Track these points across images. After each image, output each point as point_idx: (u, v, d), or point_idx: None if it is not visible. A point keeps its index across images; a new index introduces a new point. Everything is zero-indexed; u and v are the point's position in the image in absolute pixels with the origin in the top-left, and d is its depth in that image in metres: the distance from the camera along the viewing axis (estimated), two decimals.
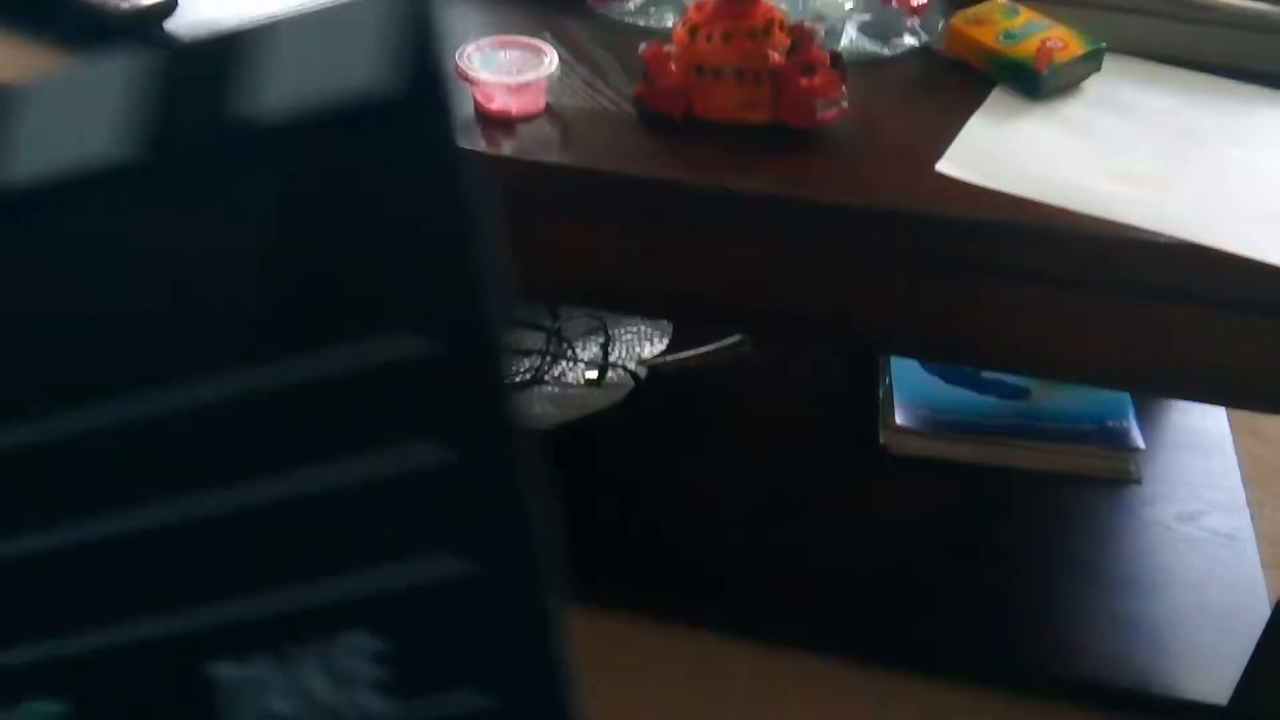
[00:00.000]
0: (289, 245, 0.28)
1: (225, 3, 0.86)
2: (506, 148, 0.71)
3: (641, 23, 0.84)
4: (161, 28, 0.80)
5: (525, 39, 0.75)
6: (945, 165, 0.70)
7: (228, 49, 0.29)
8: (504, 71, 0.73)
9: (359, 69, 0.28)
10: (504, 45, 0.75)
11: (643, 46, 0.73)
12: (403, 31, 0.27)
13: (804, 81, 0.70)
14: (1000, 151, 0.71)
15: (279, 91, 0.28)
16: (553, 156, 0.71)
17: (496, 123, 0.73)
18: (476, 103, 0.74)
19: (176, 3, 0.80)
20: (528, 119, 0.73)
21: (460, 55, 0.72)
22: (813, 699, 0.95)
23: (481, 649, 0.28)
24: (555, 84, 0.75)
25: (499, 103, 0.73)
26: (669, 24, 0.83)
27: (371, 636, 0.28)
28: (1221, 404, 1.11)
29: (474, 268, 0.27)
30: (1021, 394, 1.11)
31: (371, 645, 0.28)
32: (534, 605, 0.28)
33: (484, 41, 0.74)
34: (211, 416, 0.28)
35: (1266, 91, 0.78)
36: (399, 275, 0.28)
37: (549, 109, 0.74)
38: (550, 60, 0.73)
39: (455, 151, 0.28)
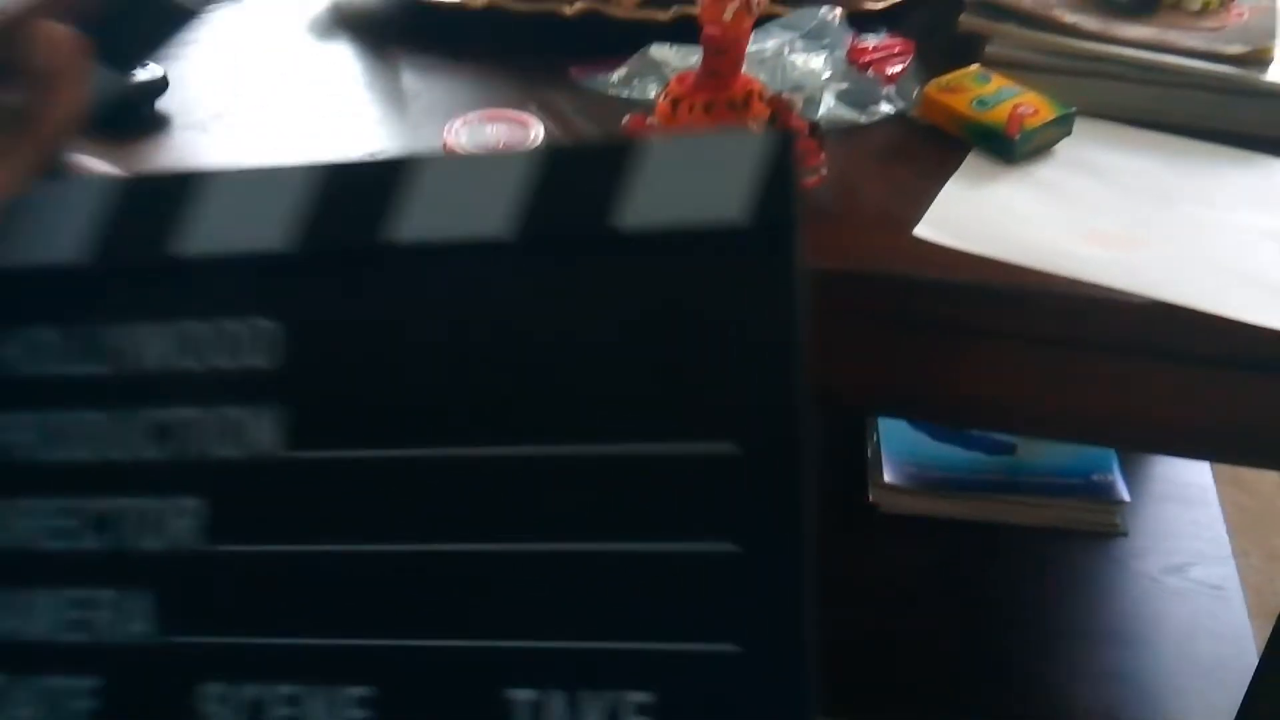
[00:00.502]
0: (632, 341, 0.32)
1: (215, 82, 0.88)
2: None
3: (624, 94, 0.86)
4: (153, 106, 0.82)
5: (512, 112, 0.77)
6: (923, 229, 0.71)
7: (608, 158, 0.33)
8: (491, 145, 0.75)
9: (721, 196, 0.32)
10: (491, 119, 0.77)
11: (626, 118, 0.75)
12: (762, 167, 0.32)
13: None
14: (976, 215, 0.73)
15: (649, 206, 0.32)
16: None
17: None
18: None
19: (167, 81, 0.82)
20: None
21: (449, 130, 0.74)
22: None
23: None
24: None
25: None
26: (651, 95, 0.85)
27: (645, 693, 0.31)
28: (1199, 458, 1.13)
29: (793, 381, 0.31)
30: (1008, 449, 1.13)
31: (643, 699, 0.31)
32: (792, 688, 0.30)
33: (472, 116, 0.76)
34: (541, 475, 0.32)
35: (1231, 151, 0.80)
36: (724, 383, 0.31)
37: None
38: (536, 134, 0.75)
39: (796, 277, 0.31)
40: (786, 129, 0.32)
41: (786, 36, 0.85)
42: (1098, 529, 1.12)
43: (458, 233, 0.34)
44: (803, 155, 0.73)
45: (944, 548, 1.08)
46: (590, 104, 0.85)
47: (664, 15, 0.90)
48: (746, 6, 0.70)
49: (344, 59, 0.93)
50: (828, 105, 0.81)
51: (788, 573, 0.30)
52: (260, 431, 0.34)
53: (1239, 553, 1.12)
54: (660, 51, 0.87)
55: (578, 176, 0.33)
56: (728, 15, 0.70)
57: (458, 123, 0.75)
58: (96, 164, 0.42)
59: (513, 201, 0.33)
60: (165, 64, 0.84)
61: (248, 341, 0.34)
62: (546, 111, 0.83)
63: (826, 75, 0.83)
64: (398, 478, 0.33)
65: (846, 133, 0.81)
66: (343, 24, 0.99)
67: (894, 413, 1.01)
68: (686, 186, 0.32)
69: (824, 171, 0.74)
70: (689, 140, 0.34)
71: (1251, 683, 0.85)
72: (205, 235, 0.36)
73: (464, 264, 0.33)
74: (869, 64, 0.84)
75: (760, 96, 0.73)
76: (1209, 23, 0.86)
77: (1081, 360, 0.70)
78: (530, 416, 0.33)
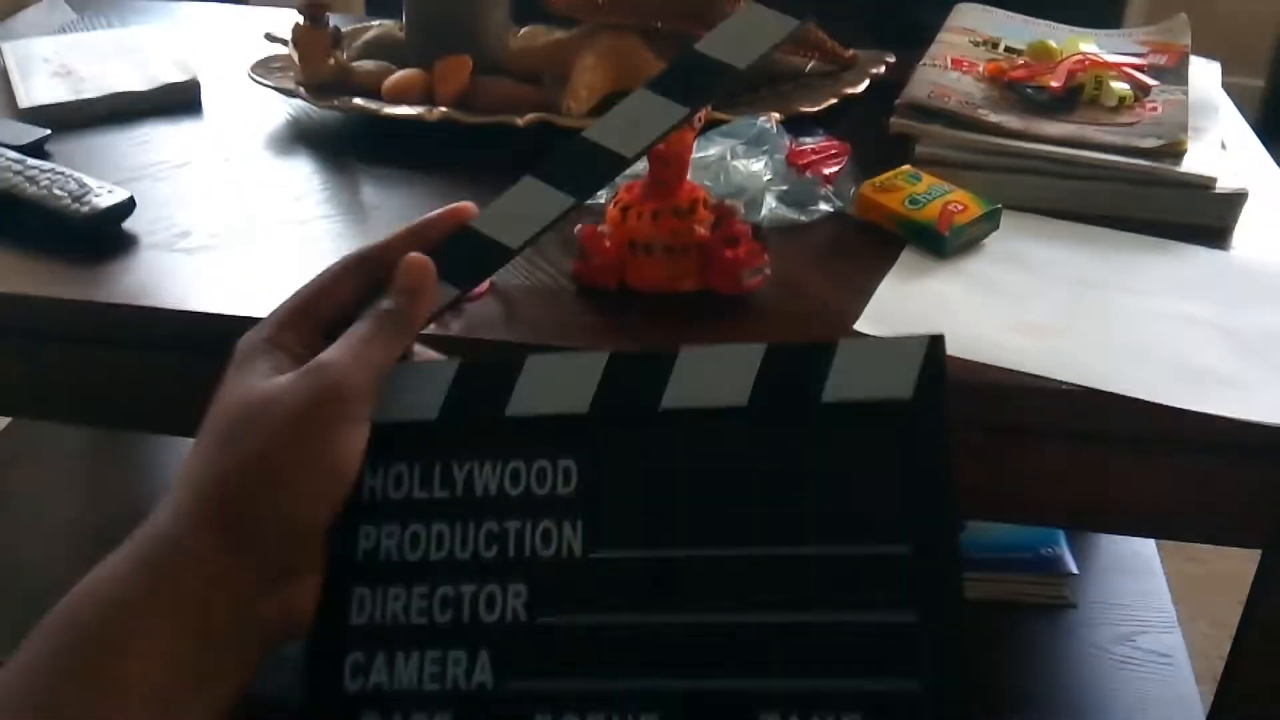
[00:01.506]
0: (838, 474, 0.47)
1: (180, 200, 0.91)
2: (455, 327, 0.75)
3: None
4: (120, 227, 0.85)
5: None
6: (863, 324, 0.75)
7: (819, 354, 0.48)
8: None
9: (894, 379, 0.47)
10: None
11: (578, 227, 0.79)
12: (920, 359, 0.47)
13: (729, 253, 0.76)
14: (912, 309, 0.77)
15: (846, 386, 0.48)
16: (498, 334, 0.75)
17: None
18: None
19: (134, 203, 0.85)
20: (474, 299, 0.78)
21: None
22: None
23: None
24: None
25: None
26: (602, 200, 0.89)
27: (857, 713, 0.43)
28: (1130, 534, 1.17)
29: (947, 502, 0.45)
30: (959, 528, 1.16)
31: (855, 718, 0.43)
32: (956, 711, 0.43)
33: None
34: (778, 566, 0.46)
35: (1149, 239, 0.85)
36: (901, 503, 0.45)
37: (493, 288, 0.79)
38: None
39: (944, 432, 0.46)
40: (934, 341, 0.48)
41: (728, 143, 0.89)
42: (1048, 602, 1.15)
43: (708, 402, 0.49)
44: (748, 258, 0.77)
45: None
46: None
47: None
48: (689, 121, 0.74)
49: (304, 172, 0.96)
50: (769, 206, 0.85)
51: (950, 632, 0.44)
52: (565, 536, 0.48)
53: (1185, 620, 1.15)
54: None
55: (794, 362, 0.49)
56: None
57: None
58: (429, 351, 0.56)
59: (747, 380, 0.49)
60: (131, 185, 0.87)
61: (555, 475, 0.49)
62: None
63: (767, 178, 0.87)
64: (667, 568, 0.47)
65: (788, 232, 0.85)
66: (301, 138, 1.03)
67: None
68: (869, 373, 0.48)
69: (768, 271, 0.77)
70: (872, 340, 0.53)
71: None
72: (524, 401, 0.50)
73: (712, 423, 0.48)
74: (807, 166, 0.89)
75: (705, 203, 0.78)
76: (1125, 118, 0.91)
77: (1015, 446, 0.74)
78: (763, 527, 0.47)
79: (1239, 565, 1.27)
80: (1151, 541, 1.24)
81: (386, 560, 0.49)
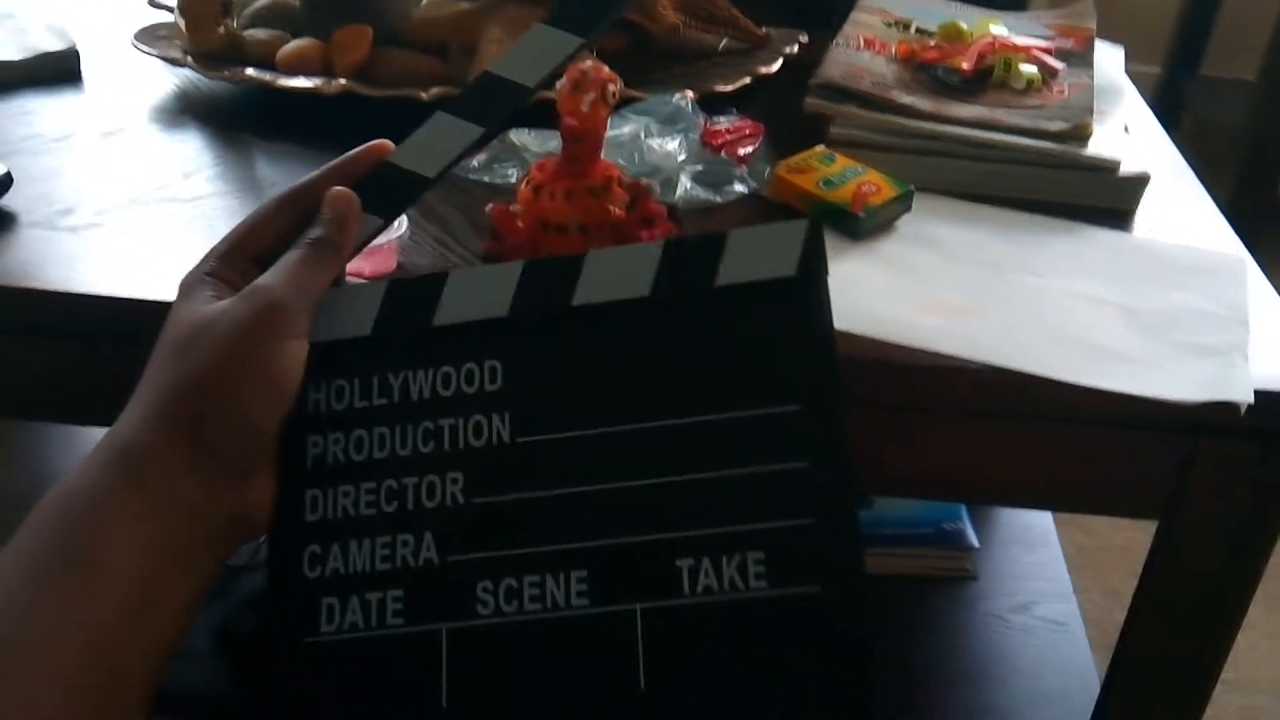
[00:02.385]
0: (732, 347, 0.53)
1: (61, 176, 0.86)
2: None
3: (486, 179, 0.88)
4: None
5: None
6: None
7: (711, 243, 0.55)
8: None
9: (779, 260, 0.54)
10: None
11: (490, 206, 0.77)
12: (801, 240, 0.54)
13: (644, 234, 0.75)
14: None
15: (737, 270, 0.54)
16: None
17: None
18: None
19: (11, 179, 0.81)
20: (381, 279, 0.76)
21: None
22: None
23: (815, 559, 0.49)
24: (406, 243, 0.78)
25: (351, 265, 0.75)
26: (512, 179, 0.87)
27: (760, 552, 0.50)
28: (1033, 507, 1.20)
29: (831, 362, 0.53)
30: (866, 504, 1.17)
31: (759, 556, 0.50)
32: (848, 543, 0.49)
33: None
34: (660, 438, 0.52)
35: (1057, 222, 0.86)
36: (792, 368, 0.53)
37: (401, 269, 0.77)
38: (401, 222, 0.76)
39: (826, 304, 0.54)
40: (813, 223, 0.55)
41: (642, 121, 0.88)
42: (950, 574, 1.17)
43: (614, 295, 0.55)
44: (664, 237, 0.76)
45: None
46: (452, 189, 0.87)
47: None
48: (603, 97, 0.72)
49: (194, 147, 0.92)
50: (684, 187, 0.85)
51: (839, 474, 0.50)
52: (495, 427, 0.54)
53: (1079, 590, 1.18)
54: (519, 136, 0.89)
55: (689, 253, 0.55)
56: (585, 106, 0.72)
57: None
58: (355, 277, 0.63)
59: (649, 273, 0.55)
60: (8, 160, 0.83)
61: (482, 374, 0.55)
62: None
63: (682, 158, 0.86)
64: (587, 445, 0.53)
65: (703, 212, 0.84)
66: (189, 111, 0.99)
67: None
68: (757, 257, 0.54)
69: None
70: (758, 228, 0.56)
71: (1094, 711, 0.91)
72: (450, 311, 0.56)
73: (619, 314, 0.55)
74: (722, 146, 0.88)
75: (619, 182, 0.76)
76: (1033, 100, 0.92)
77: (925, 423, 0.75)
78: (670, 401, 0.53)
79: (1130, 538, 1.31)
80: (1048, 515, 1.27)
81: (334, 464, 0.55)
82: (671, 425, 0.52)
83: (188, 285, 0.53)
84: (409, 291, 0.57)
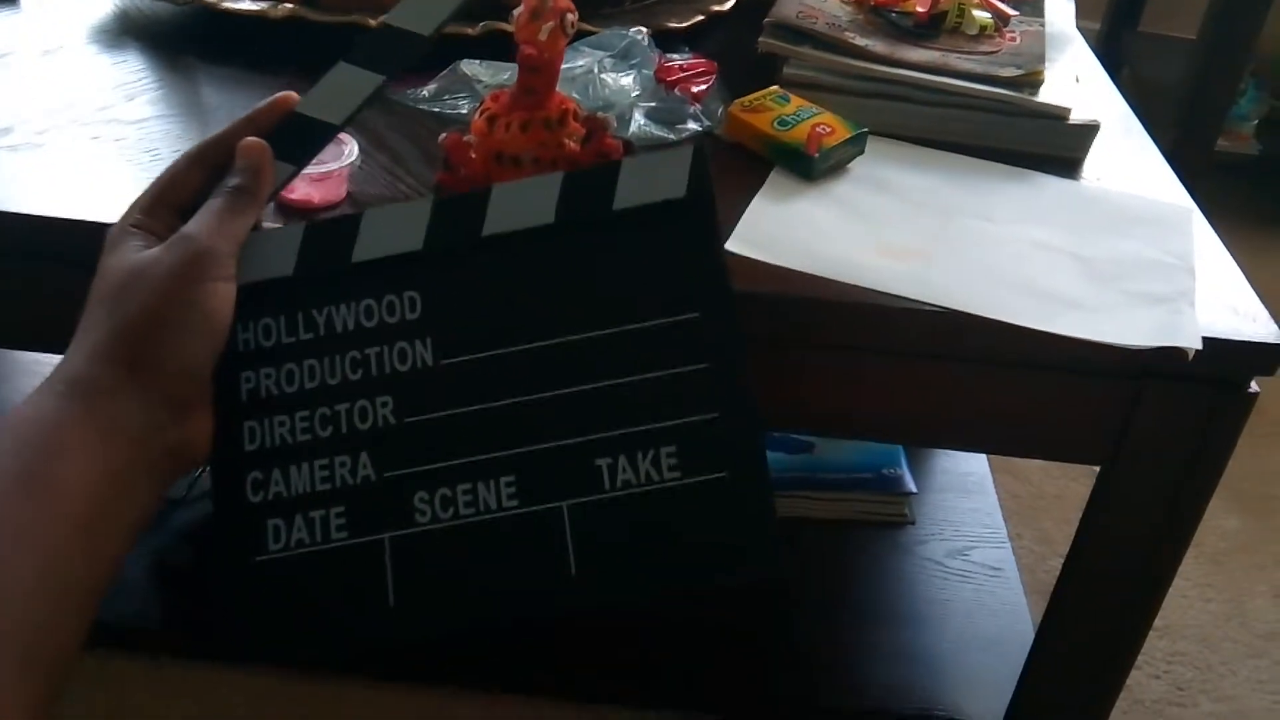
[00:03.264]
0: (632, 267, 0.58)
1: None
2: None
3: (436, 109, 0.86)
4: None
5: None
6: (733, 244, 0.74)
7: (607, 172, 0.60)
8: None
9: (669, 183, 0.59)
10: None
11: (443, 136, 0.75)
12: (689, 164, 0.59)
13: None
14: (781, 230, 0.77)
15: (632, 194, 0.59)
16: None
17: (298, 213, 0.73)
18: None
19: None
20: (329, 208, 0.75)
21: None
22: None
23: (721, 448, 0.55)
24: (356, 172, 0.77)
25: (300, 193, 0.74)
26: (463, 110, 0.85)
27: (672, 447, 0.55)
28: (978, 450, 1.22)
29: (722, 270, 0.58)
30: (806, 448, 1.18)
31: (671, 450, 0.55)
32: (748, 432, 0.55)
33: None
34: (572, 352, 0.57)
35: (1005, 168, 0.87)
36: (689, 279, 0.57)
37: (350, 198, 0.76)
38: (351, 150, 0.75)
39: (714, 225, 0.59)
40: (698, 149, 0.60)
41: (596, 55, 0.87)
42: (888, 519, 1.18)
43: (521, 224, 0.59)
44: None
45: None
46: (402, 119, 0.85)
47: (472, 30, 0.91)
48: (561, 26, 0.71)
49: (135, 69, 0.90)
50: (638, 123, 0.84)
51: (737, 371, 0.56)
52: (418, 352, 0.57)
53: (1014, 536, 1.21)
54: (470, 67, 0.87)
55: (588, 182, 0.60)
56: (543, 35, 0.71)
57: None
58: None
59: (551, 202, 0.59)
60: None
61: (402, 305, 0.58)
62: (357, 126, 0.82)
63: (636, 94, 0.85)
64: (505, 363, 0.57)
65: (656, 149, 0.83)
66: (130, 32, 0.96)
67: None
68: (649, 182, 0.59)
69: None
70: (649, 156, 0.62)
71: (1029, 655, 0.93)
72: (368, 247, 0.59)
73: (526, 241, 0.59)
74: (676, 83, 0.87)
75: (575, 115, 0.75)
76: (985, 46, 0.93)
77: (874, 364, 0.75)
78: (580, 318, 0.57)
79: (1063, 486, 1.34)
80: (985, 463, 1.29)
81: (268, 396, 0.57)
82: (582, 339, 0.57)
83: (114, 237, 0.56)
84: (327, 232, 0.60)
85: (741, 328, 0.56)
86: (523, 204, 0.59)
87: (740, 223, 0.76)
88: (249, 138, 0.60)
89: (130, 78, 0.88)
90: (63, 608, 0.47)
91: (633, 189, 0.59)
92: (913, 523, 1.19)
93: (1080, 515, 0.83)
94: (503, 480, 0.55)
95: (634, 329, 0.57)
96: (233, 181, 0.58)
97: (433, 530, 0.55)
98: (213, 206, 0.57)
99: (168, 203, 0.58)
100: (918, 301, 0.72)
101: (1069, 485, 1.34)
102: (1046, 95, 0.88)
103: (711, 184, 0.59)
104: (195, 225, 0.56)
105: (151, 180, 0.59)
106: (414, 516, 0.55)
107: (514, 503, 0.55)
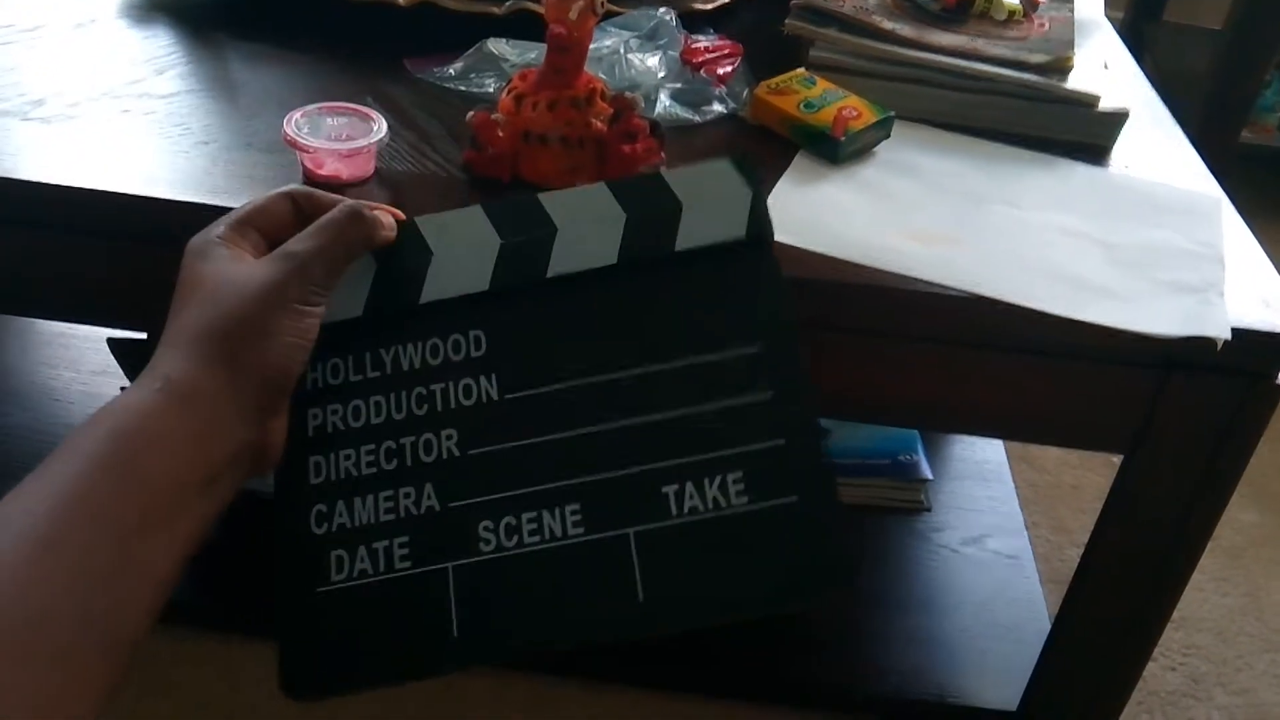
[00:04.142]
0: (688, 305, 0.59)
1: (31, 68, 0.84)
2: None
3: (462, 88, 0.86)
4: None
5: (352, 105, 0.76)
6: None
7: (670, 212, 0.61)
8: (332, 137, 0.74)
9: (728, 223, 0.60)
10: (330, 111, 0.76)
11: (471, 114, 0.75)
12: (748, 207, 0.61)
13: (626, 149, 0.74)
14: (806, 213, 0.76)
15: (692, 235, 0.60)
16: None
17: (326, 188, 0.73)
18: (306, 169, 0.74)
19: None
20: (358, 184, 0.75)
21: (289, 122, 0.73)
22: None
23: (789, 473, 0.54)
24: (384, 149, 0.77)
25: (329, 168, 0.74)
26: (489, 89, 0.85)
27: (739, 472, 0.54)
28: (1001, 437, 1.21)
29: (788, 308, 0.58)
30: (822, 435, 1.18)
31: (738, 476, 0.54)
32: (813, 457, 0.55)
33: (311, 108, 0.75)
34: (635, 384, 0.57)
35: (1033, 154, 0.86)
36: (741, 317, 0.58)
37: (378, 174, 0.76)
38: (379, 126, 0.75)
39: (773, 261, 0.60)
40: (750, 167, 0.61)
41: (623, 35, 0.86)
42: (904, 506, 1.18)
43: (585, 265, 0.60)
44: (646, 154, 0.75)
45: None
46: (428, 97, 0.85)
47: (498, 9, 0.91)
48: (591, 6, 0.71)
49: (165, 44, 0.90)
50: (663, 104, 0.84)
51: (803, 399, 0.56)
52: (483, 387, 0.58)
53: (1030, 525, 1.20)
54: (497, 46, 0.87)
55: (650, 221, 0.60)
56: (573, 14, 0.71)
57: (297, 115, 0.74)
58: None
59: (615, 243, 0.60)
60: None
61: (468, 343, 0.59)
62: (384, 104, 0.83)
63: (662, 74, 0.85)
64: (571, 396, 0.57)
65: (681, 131, 0.83)
66: (160, 7, 0.96)
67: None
68: (711, 222, 0.60)
69: (664, 170, 0.76)
70: (710, 199, 0.61)
71: (1046, 643, 0.93)
72: (434, 289, 0.60)
73: (590, 280, 0.60)
74: (701, 64, 0.87)
75: (602, 95, 0.75)
76: (1014, 32, 0.92)
77: (898, 349, 0.75)
78: (637, 351, 0.58)
79: (1080, 476, 1.33)
80: (1001, 449, 1.29)
81: (334, 431, 0.58)
82: (645, 372, 0.57)
83: (201, 248, 0.56)
84: (396, 272, 0.61)
85: (804, 359, 0.57)
86: (587, 244, 0.60)
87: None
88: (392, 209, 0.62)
89: (160, 52, 0.89)
90: (138, 595, 0.48)
91: (695, 229, 0.60)
92: (929, 510, 1.19)
93: (1097, 505, 0.83)
94: (568, 508, 0.55)
95: (697, 362, 0.57)
96: (355, 204, 0.59)
97: (497, 559, 0.54)
98: (323, 232, 0.57)
99: (257, 226, 0.58)
100: (944, 287, 0.71)
101: (1086, 475, 1.33)
102: (1075, 82, 0.88)
103: (771, 223, 0.60)
104: (300, 244, 0.56)
105: (243, 204, 0.59)
106: (478, 545, 0.55)
107: (579, 530, 0.54)
